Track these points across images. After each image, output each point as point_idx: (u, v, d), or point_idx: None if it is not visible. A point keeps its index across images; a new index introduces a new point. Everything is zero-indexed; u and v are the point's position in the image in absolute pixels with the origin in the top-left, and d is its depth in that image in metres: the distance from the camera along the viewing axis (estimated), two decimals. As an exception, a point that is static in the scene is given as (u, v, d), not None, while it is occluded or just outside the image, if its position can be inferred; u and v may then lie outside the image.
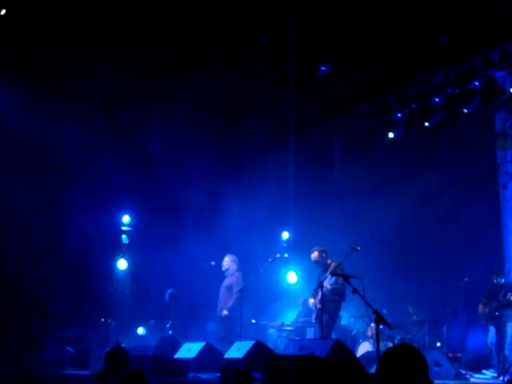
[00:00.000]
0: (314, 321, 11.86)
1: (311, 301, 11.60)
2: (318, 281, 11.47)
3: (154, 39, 12.76)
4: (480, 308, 11.97)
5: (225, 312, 12.55)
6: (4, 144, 13.58)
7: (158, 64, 13.49)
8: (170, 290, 14.85)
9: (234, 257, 13.23)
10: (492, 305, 11.72)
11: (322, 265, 11.65)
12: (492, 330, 11.81)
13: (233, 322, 12.28)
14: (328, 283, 11.12)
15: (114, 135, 14.96)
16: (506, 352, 11.41)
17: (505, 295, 11.57)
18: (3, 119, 13.22)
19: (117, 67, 13.26)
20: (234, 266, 13.05)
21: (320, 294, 11.04)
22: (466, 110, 13.49)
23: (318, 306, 11.20)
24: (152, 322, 14.61)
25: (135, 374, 6.37)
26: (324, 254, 11.69)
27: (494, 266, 12.17)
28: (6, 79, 12.97)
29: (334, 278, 11.00)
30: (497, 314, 11.66)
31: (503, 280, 11.86)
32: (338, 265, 11.03)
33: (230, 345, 10.68)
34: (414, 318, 13.33)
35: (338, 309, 11.56)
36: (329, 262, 11.58)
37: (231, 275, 12.98)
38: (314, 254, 11.72)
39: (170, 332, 14.00)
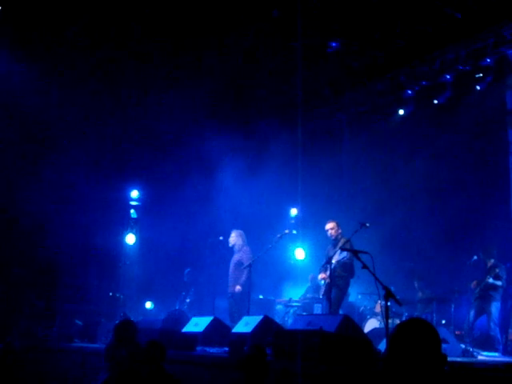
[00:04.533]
0: (321, 296, 11.85)
1: (321, 276, 11.57)
2: (326, 256, 11.46)
3: (163, 14, 12.65)
4: (473, 284, 12.06)
5: (238, 287, 12.54)
6: (7, 118, 13.55)
7: (166, 38, 13.37)
8: (187, 270, 14.92)
9: (240, 231, 13.23)
10: (480, 284, 11.84)
11: (333, 238, 11.59)
12: (473, 310, 11.99)
13: (243, 297, 12.29)
14: (337, 259, 11.09)
15: (124, 110, 14.93)
16: (491, 332, 11.53)
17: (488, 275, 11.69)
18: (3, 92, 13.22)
19: (126, 40, 13.18)
20: (240, 241, 13.05)
21: (329, 269, 11.04)
22: (478, 87, 13.42)
23: (327, 280, 11.19)
24: (183, 293, 14.68)
25: (155, 346, 6.40)
26: (339, 228, 11.64)
27: (486, 245, 12.16)
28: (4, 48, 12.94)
29: (343, 253, 10.97)
30: (479, 293, 11.84)
31: (492, 260, 11.89)
32: (347, 241, 11.00)
33: (239, 319, 10.70)
34: (420, 294, 13.37)
35: (347, 285, 11.55)
36: (339, 237, 11.55)
37: (239, 251, 12.98)
38: (330, 224, 11.63)
39: (186, 307, 14.12)
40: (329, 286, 11.07)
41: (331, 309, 10.82)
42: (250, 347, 6.40)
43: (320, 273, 11.65)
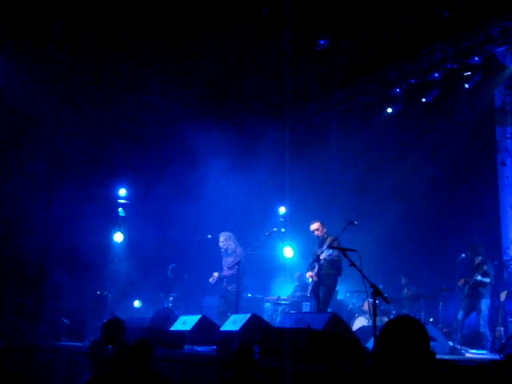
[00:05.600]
0: (309, 295, 11.86)
1: (309, 274, 11.59)
2: (313, 255, 11.47)
3: (152, 9, 12.59)
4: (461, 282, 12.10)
5: (220, 273, 12.66)
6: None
7: (154, 34, 13.31)
8: (172, 265, 14.86)
9: (228, 234, 13.15)
10: (468, 282, 11.88)
11: (319, 237, 11.63)
12: (464, 306, 12.01)
13: (233, 295, 12.22)
14: (325, 256, 11.09)
15: (112, 107, 14.85)
16: (481, 329, 11.57)
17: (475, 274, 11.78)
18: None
19: (113, 36, 13.11)
20: (231, 245, 12.99)
21: (316, 267, 11.05)
22: (467, 86, 13.45)
23: (315, 279, 11.20)
24: (173, 294, 14.59)
25: (142, 345, 6.36)
26: (324, 227, 11.71)
27: (474, 243, 12.18)
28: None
29: (330, 250, 10.98)
30: (468, 291, 11.88)
31: (480, 258, 11.93)
32: (335, 239, 11.01)
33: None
34: (405, 291, 13.39)
35: (335, 283, 11.59)
36: (326, 236, 11.58)
37: (232, 253, 12.93)
38: (315, 225, 11.73)
39: (170, 304, 14.06)
40: (316, 285, 11.08)
41: (320, 307, 10.81)
42: (238, 345, 6.38)
43: (307, 271, 11.67)
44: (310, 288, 11.71)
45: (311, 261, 11.52)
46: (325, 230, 11.69)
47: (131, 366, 6.21)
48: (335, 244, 10.73)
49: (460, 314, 11.98)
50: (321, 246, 11.51)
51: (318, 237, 11.71)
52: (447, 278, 12.48)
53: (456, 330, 11.90)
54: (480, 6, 12.46)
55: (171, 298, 14.36)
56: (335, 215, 13.34)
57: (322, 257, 11.02)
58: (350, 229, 10.84)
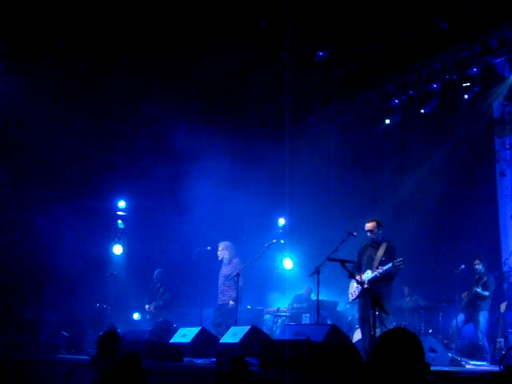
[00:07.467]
0: (351, 300, 10.82)
1: (359, 277, 9.97)
2: (362, 256, 10.46)
3: (150, 22, 12.62)
4: (464, 295, 12.09)
5: (231, 302, 12.30)
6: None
7: (152, 45, 13.33)
8: (158, 270, 14.73)
9: (227, 243, 13.02)
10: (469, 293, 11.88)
11: (374, 239, 10.43)
12: (461, 316, 12.00)
13: (232, 309, 12.10)
14: (384, 268, 9.87)
15: (110, 120, 14.87)
16: (479, 342, 11.54)
17: (476, 285, 11.83)
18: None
19: (114, 49, 13.15)
20: (227, 255, 12.86)
21: (370, 273, 10.00)
22: (466, 96, 13.47)
23: (366, 285, 9.92)
24: (154, 302, 14.56)
25: (130, 359, 6.31)
26: (379, 228, 10.46)
27: (477, 255, 12.17)
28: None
29: (389, 264, 9.81)
30: (467, 302, 11.95)
31: (482, 270, 11.97)
32: (391, 245, 10.22)
33: (226, 330, 10.60)
34: (408, 299, 13.33)
35: (390, 292, 10.30)
36: (380, 239, 10.44)
37: (228, 263, 12.81)
38: (372, 224, 10.47)
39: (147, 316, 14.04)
40: (364, 292, 10.17)
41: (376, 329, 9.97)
42: (230, 359, 6.32)
43: (355, 273, 10.02)
44: (354, 293, 10.40)
45: (357, 261, 10.34)
46: (380, 232, 10.45)
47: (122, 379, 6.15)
48: (394, 251, 10.14)
49: (459, 321, 11.92)
50: (376, 249, 10.33)
51: (371, 238, 10.47)
52: (447, 289, 12.45)
53: (453, 338, 11.86)
54: (478, 17, 12.51)
55: (151, 307, 14.22)
56: (335, 226, 13.30)
57: (375, 263, 10.01)
58: (349, 240, 10.71)
